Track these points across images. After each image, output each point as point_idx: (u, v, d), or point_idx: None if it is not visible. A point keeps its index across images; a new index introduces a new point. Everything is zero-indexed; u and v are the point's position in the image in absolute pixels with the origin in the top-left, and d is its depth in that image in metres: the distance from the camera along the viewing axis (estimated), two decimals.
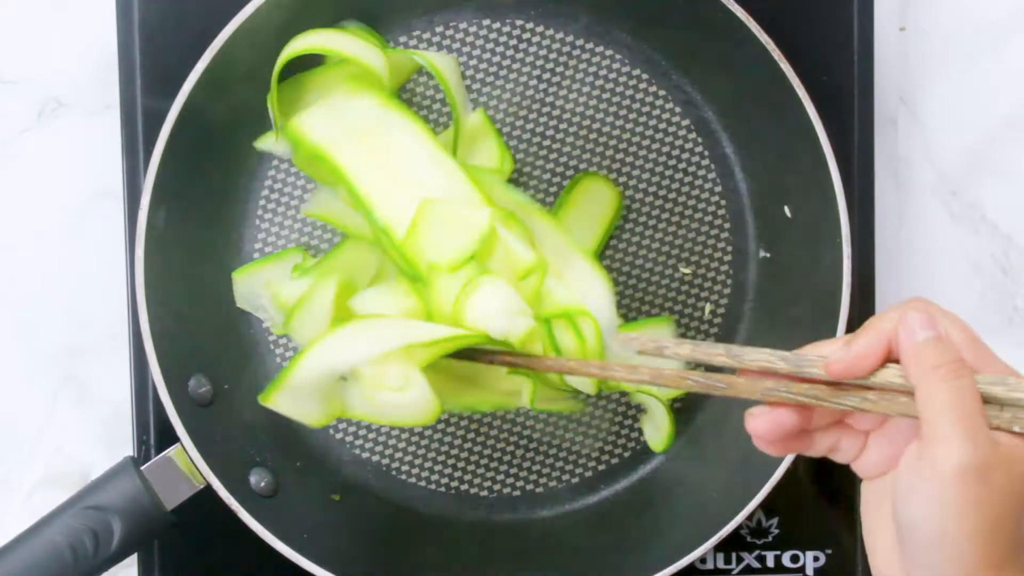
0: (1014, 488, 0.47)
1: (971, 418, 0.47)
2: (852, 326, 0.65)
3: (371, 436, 0.71)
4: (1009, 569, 0.47)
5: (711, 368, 0.63)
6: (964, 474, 0.46)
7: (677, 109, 0.71)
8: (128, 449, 0.71)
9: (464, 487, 0.71)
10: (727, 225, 0.71)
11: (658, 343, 0.57)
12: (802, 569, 0.71)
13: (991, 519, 0.47)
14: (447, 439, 0.71)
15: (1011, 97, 0.75)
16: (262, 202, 0.70)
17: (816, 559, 0.71)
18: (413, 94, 0.70)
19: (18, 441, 0.73)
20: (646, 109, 0.71)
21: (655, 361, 0.61)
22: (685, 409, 0.71)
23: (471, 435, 0.71)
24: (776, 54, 0.64)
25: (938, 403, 0.47)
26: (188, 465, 0.63)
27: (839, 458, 0.54)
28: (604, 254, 0.71)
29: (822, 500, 0.72)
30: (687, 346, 0.56)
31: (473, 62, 0.70)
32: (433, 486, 0.71)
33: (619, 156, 0.71)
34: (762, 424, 0.53)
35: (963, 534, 0.46)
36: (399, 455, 0.71)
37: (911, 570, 0.49)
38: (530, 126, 0.70)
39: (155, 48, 0.68)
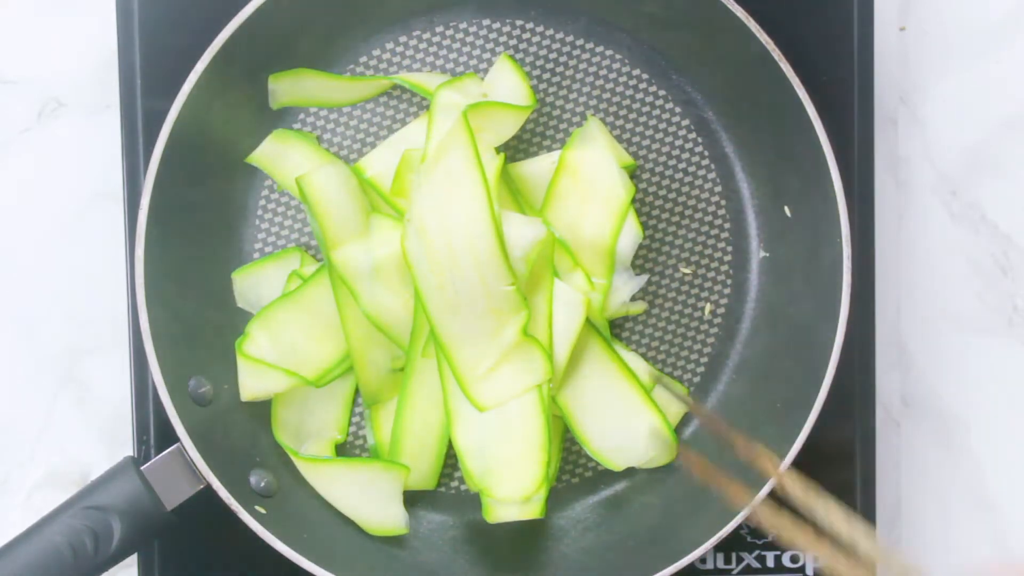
0: None
1: None
2: (852, 326, 0.65)
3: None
4: None
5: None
6: None
7: (677, 109, 0.71)
8: (128, 449, 0.71)
9: (464, 487, 0.71)
10: (727, 225, 0.71)
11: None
12: (802, 569, 0.71)
13: None
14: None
15: (1011, 97, 0.75)
16: (262, 202, 0.70)
17: (816, 559, 0.71)
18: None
19: (18, 441, 0.73)
20: (646, 109, 0.71)
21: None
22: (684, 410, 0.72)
23: None
24: (776, 54, 0.64)
25: None
26: (188, 465, 0.63)
27: None
28: None
29: None
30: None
31: (473, 62, 0.70)
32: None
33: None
34: None
35: None
36: None
37: None
38: (530, 126, 0.70)
39: (155, 48, 0.68)
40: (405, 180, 0.66)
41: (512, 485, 0.65)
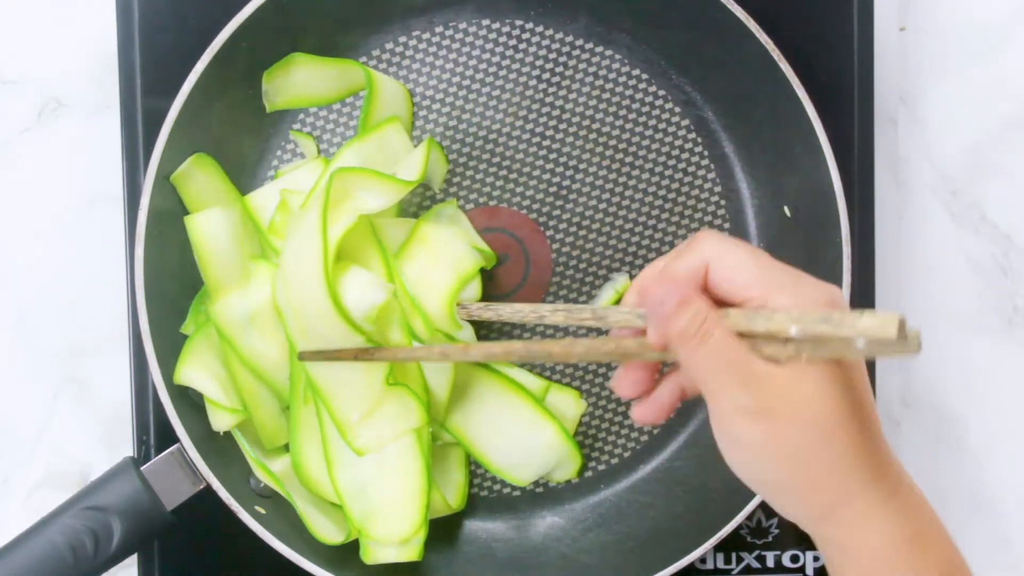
0: (806, 416, 0.48)
1: (733, 369, 0.48)
2: None
3: None
4: (849, 495, 0.49)
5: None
6: (745, 419, 0.48)
7: (677, 109, 0.71)
8: (128, 449, 0.71)
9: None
10: (727, 225, 0.71)
11: (501, 309, 0.62)
12: (802, 569, 0.72)
13: (787, 451, 0.48)
14: None
15: (1011, 97, 0.75)
16: None
17: (816, 559, 0.71)
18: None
19: (18, 441, 0.73)
20: (646, 109, 0.71)
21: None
22: (685, 410, 0.72)
23: None
24: (776, 54, 0.64)
25: (700, 367, 0.49)
26: (188, 465, 0.63)
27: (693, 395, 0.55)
28: (603, 253, 0.71)
29: None
30: (560, 313, 0.59)
31: (473, 62, 0.70)
32: None
33: (619, 156, 0.71)
34: (625, 385, 0.55)
35: (777, 473, 0.49)
36: None
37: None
38: (530, 126, 0.70)
39: (155, 48, 0.68)
40: (281, 220, 0.66)
41: (391, 527, 0.64)
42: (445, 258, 0.66)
